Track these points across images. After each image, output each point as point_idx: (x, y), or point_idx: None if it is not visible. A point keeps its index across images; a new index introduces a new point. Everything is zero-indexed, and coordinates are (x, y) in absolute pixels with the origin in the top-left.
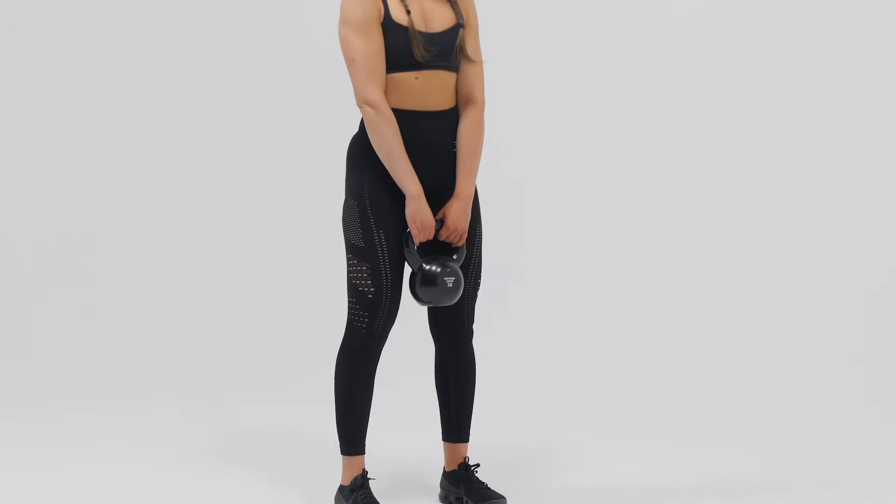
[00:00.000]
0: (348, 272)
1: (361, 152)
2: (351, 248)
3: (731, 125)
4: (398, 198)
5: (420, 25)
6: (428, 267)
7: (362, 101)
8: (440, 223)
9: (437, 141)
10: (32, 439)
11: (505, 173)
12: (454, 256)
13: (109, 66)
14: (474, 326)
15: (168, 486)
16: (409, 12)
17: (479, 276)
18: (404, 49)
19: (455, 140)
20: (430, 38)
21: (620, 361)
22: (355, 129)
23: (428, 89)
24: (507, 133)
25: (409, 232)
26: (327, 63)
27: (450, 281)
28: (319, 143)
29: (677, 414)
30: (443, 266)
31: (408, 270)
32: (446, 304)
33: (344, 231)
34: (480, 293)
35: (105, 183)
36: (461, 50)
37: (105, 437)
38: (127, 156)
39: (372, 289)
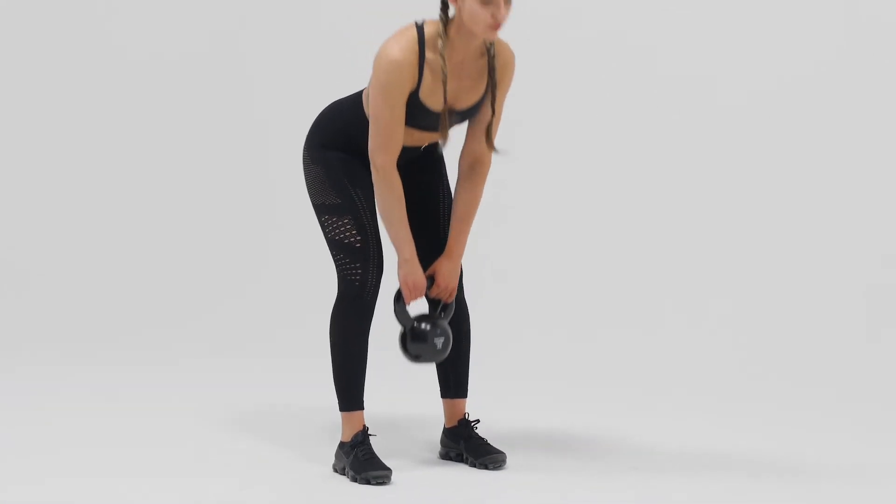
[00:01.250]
0: (328, 233)
1: (319, 146)
2: (325, 209)
3: (734, 76)
4: (365, 166)
5: (449, 104)
6: (419, 325)
7: (372, 161)
8: (430, 280)
9: (415, 156)
10: (26, 395)
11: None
12: (442, 314)
13: (100, 35)
14: (466, 281)
15: (163, 443)
16: (445, 100)
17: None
18: (428, 124)
19: (425, 145)
20: (456, 115)
21: (623, 313)
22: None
23: (426, 138)
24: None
25: (400, 290)
26: (318, 32)
27: (439, 342)
28: (316, 101)
29: (681, 367)
30: (433, 325)
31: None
32: (435, 362)
33: (312, 197)
34: (478, 250)
35: (101, 143)
36: (477, 110)
37: (97, 393)
38: (123, 114)
39: (358, 237)
